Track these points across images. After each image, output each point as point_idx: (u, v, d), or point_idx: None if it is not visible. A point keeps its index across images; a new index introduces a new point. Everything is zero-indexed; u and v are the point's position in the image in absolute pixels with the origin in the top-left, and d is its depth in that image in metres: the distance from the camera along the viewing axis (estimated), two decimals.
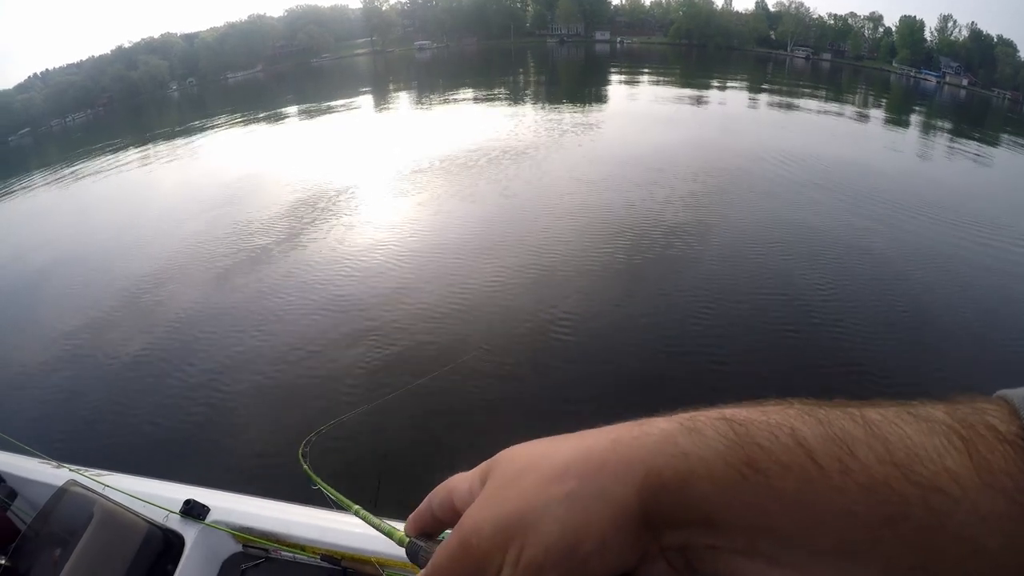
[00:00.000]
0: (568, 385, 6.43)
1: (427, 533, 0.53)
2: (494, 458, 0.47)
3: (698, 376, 6.61)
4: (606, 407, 5.86)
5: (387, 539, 0.65)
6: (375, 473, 5.18)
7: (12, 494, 2.31)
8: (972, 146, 26.18)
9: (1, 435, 2.69)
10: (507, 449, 0.47)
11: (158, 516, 1.97)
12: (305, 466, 1.91)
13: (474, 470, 0.49)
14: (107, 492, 1.91)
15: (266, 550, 2.04)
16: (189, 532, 1.92)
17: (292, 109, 36.89)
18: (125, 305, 9.30)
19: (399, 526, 0.59)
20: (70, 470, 2.25)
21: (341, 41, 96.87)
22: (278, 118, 33.20)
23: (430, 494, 0.52)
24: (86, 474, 2.13)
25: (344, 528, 2.03)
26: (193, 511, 1.97)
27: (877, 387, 6.37)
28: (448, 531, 0.47)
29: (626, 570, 0.38)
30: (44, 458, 2.50)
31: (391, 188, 14.53)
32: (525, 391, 6.36)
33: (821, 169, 16.38)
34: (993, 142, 28.95)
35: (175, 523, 1.97)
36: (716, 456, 0.35)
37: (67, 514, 1.65)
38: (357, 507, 0.83)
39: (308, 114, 33.77)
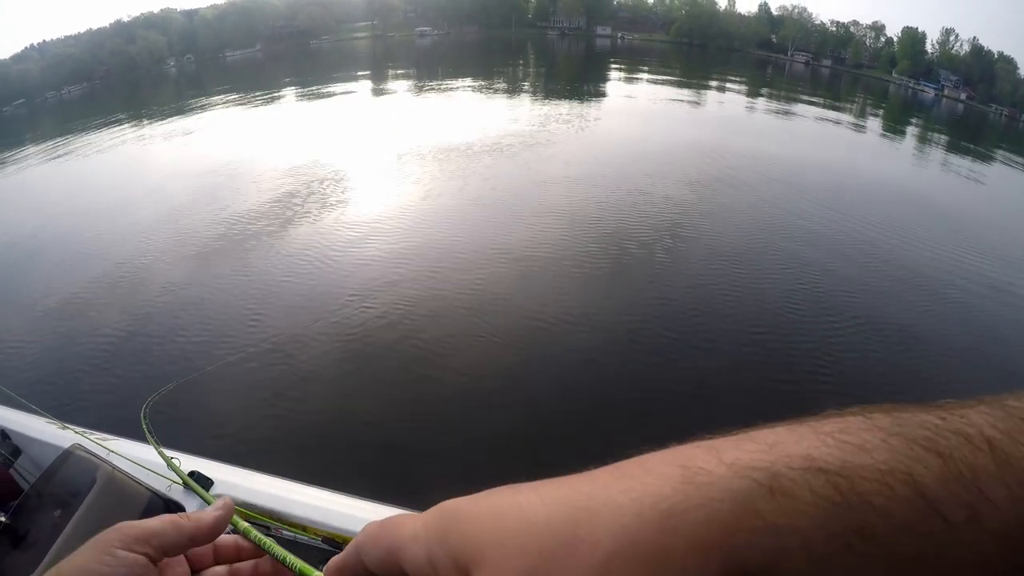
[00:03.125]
0: (537, 388, 6.27)
1: None
2: (455, 517, 0.35)
3: (674, 382, 6.48)
4: (567, 403, 5.98)
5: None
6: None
7: (16, 451, 2.31)
8: (966, 162, 26.24)
9: (8, 391, 2.70)
10: (476, 505, 0.35)
11: (161, 485, 1.95)
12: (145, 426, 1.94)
13: (422, 524, 0.37)
14: (111, 458, 1.86)
15: (267, 527, 2.00)
16: (191, 504, 1.88)
17: (289, 91, 36.66)
18: (115, 281, 9.26)
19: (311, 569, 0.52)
20: (76, 432, 2.24)
21: (342, 24, 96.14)
22: (274, 99, 32.99)
23: (357, 542, 0.42)
24: (91, 438, 2.12)
25: (348, 512, 1.98)
26: (197, 482, 1.95)
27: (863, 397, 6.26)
28: None
29: None
30: (50, 418, 2.47)
31: (381, 175, 14.53)
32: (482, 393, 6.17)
33: (809, 179, 16.33)
34: (988, 159, 29.05)
35: (178, 494, 1.95)
36: (816, 527, 0.26)
37: (70, 477, 1.64)
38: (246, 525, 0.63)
39: (305, 96, 33.59)
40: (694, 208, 12.30)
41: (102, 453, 1.88)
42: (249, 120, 25.21)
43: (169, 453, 2.05)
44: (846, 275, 9.73)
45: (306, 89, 35.97)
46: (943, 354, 7.65)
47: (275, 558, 0.55)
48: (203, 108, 30.82)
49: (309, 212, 11.61)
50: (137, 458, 2.02)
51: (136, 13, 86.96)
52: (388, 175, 14.47)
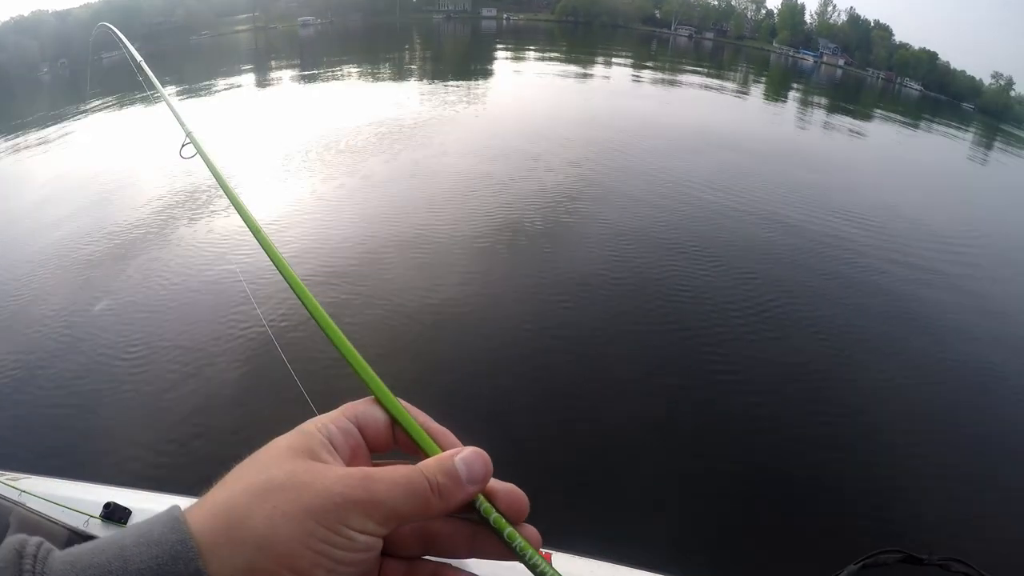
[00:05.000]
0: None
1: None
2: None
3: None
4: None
5: None
6: None
7: None
8: (847, 121, 26.89)
9: None
10: None
11: (78, 522, 1.88)
12: None
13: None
14: (23, 499, 1.88)
15: None
16: None
17: (168, 91, 33.61)
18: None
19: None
20: None
21: (222, 17, 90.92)
22: (152, 102, 30.14)
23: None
24: (2, 479, 2.05)
25: None
26: (114, 515, 1.91)
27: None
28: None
29: None
30: None
31: (267, 175, 13.33)
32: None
33: (691, 143, 16.65)
34: (867, 117, 29.68)
35: (96, 528, 1.88)
36: None
37: None
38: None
39: (185, 96, 30.66)
40: (583, 188, 12.07)
41: (13, 495, 1.90)
42: (125, 127, 22.57)
43: (83, 485, 2.06)
44: (735, 236, 10.05)
45: (186, 88, 32.81)
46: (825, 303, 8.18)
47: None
48: (76, 117, 27.58)
49: (191, 220, 10.76)
50: (51, 495, 1.94)
51: (6, 18, 79.67)
52: (275, 173, 13.47)
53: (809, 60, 78.48)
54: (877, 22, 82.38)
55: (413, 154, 14.19)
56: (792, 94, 39.71)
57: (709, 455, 5.16)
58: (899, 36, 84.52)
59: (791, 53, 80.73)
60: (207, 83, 33.01)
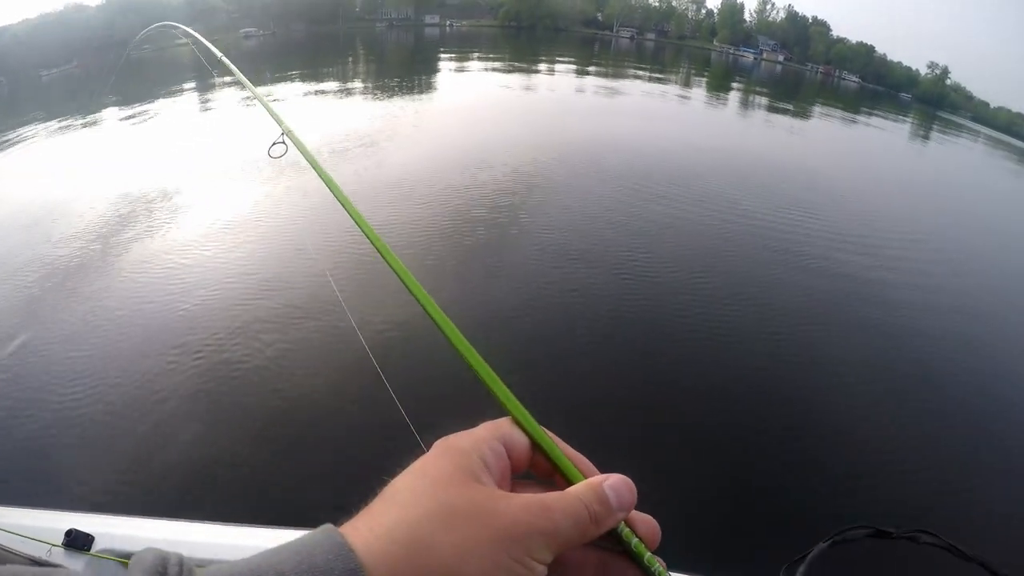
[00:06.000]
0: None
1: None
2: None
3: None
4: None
5: None
6: None
7: None
8: (787, 115, 27.28)
9: None
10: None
11: (40, 551, 1.82)
12: None
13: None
14: None
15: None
16: (75, 565, 1.80)
17: (110, 109, 32.35)
18: None
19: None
20: None
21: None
22: (93, 122, 28.94)
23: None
24: None
25: (250, 543, 1.81)
26: (77, 542, 1.82)
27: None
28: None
29: None
30: None
31: (208, 194, 12.69)
32: None
33: (636, 144, 16.70)
34: (807, 109, 30.12)
35: (59, 557, 1.81)
36: None
37: None
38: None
39: (127, 115, 29.50)
40: (530, 194, 11.85)
41: None
42: (66, 148, 21.58)
43: (43, 513, 1.98)
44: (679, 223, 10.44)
45: (128, 106, 31.59)
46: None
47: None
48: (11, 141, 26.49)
49: (135, 241, 10.25)
50: (9, 525, 1.85)
51: None
52: (219, 192, 12.86)
53: (749, 57, 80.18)
54: (815, 18, 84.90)
55: (355, 171, 13.45)
56: (734, 91, 40.24)
57: (674, 444, 5.22)
58: (837, 31, 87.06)
59: (732, 51, 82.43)
60: (150, 100, 32.08)
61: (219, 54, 1.79)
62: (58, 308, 8.14)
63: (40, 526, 1.87)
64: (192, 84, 37.34)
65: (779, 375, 6.39)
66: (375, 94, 28.50)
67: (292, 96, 28.51)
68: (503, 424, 0.52)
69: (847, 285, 8.86)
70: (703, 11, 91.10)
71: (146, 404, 5.87)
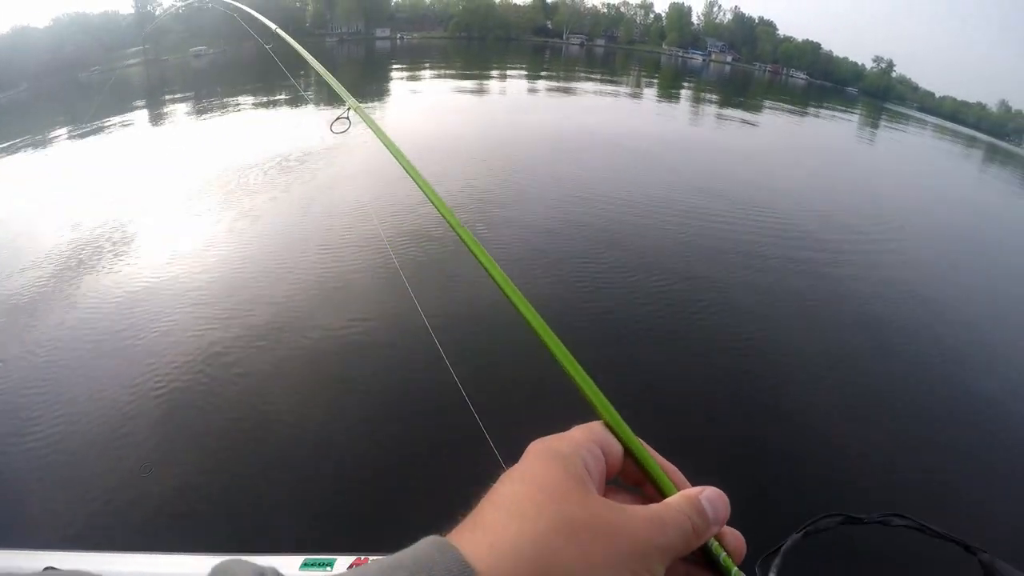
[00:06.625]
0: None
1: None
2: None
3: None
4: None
5: None
6: None
7: None
8: (738, 112, 27.54)
9: None
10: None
11: None
12: None
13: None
14: None
15: None
16: None
17: (59, 133, 31.30)
18: None
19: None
20: None
21: (112, 52, 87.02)
22: (41, 145, 28.12)
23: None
24: None
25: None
26: None
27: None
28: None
29: None
30: None
31: (166, 219, 12.09)
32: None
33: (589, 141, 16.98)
34: (758, 107, 30.44)
35: None
36: None
37: None
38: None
39: (77, 138, 28.73)
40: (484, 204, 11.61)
41: None
42: (11, 177, 20.80)
43: (18, 553, 1.89)
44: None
45: (78, 130, 30.75)
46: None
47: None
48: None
49: (85, 273, 9.60)
50: None
51: None
52: (174, 217, 12.26)
53: (698, 59, 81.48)
54: (761, 18, 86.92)
55: (310, 193, 12.86)
56: (684, 92, 40.52)
57: (645, 435, 4.95)
58: (783, 30, 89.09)
59: (680, 54, 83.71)
60: (101, 123, 31.28)
61: (273, 27, 1.84)
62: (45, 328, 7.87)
63: (17, 565, 1.84)
64: (137, 104, 36.73)
65: (739, 370, 6.35)
66: (322, 111, 28.18)
67: (243, 117, 28.32)
68: (597, 428, 0.50)
69: (802, 280, 8.87)
70: (651, 15, 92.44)
71: (105, 441, 5.65)
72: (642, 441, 0.51)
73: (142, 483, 5.01)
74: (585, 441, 0.47)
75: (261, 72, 57.50)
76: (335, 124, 1.37)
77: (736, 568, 0.47)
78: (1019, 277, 11.77)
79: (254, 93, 38.00)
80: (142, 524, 4.54)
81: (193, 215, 11.85)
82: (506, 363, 5.89)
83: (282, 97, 33.68)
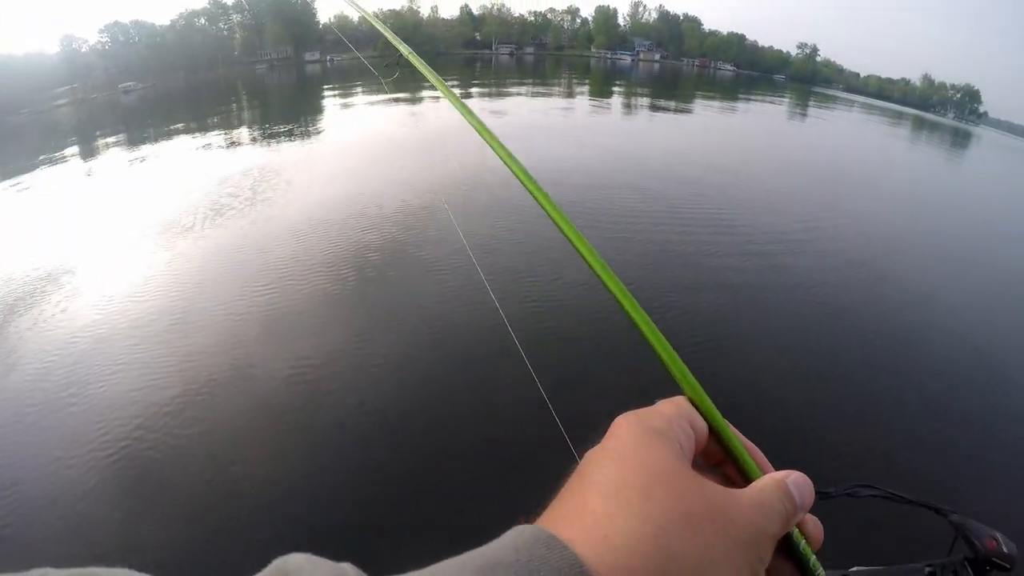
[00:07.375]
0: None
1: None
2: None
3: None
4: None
5: None
6: None
7: None
8: (671, 105, 27.82)
9: None
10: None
11: None
12: None
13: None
14: None
15: None
16: None
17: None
18: None
19: None
20: None
21: (39, 92, 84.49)
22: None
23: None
24: None
25: None
26: None
27: None
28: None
29: None
30: None
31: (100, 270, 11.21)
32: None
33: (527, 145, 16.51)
34: (688, 100, 30.82)
35: None
36: None
37: None
38: None
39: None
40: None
41: None
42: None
43: None
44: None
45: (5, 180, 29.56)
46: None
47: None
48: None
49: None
50: None
51: None
52: (109, 267, 10.99)
53: (627, 59, 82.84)
54: (686, 15, 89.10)
55: (252, 225, 12.51)
56: (615, 92, 40.82)
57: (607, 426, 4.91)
58: (708, 24, 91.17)
59: (609, 55, 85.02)
60: (28, 171, 30.16)
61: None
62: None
63: None
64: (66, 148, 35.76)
65: (707, 338, 6.47)
66: (261, 140, 27.73)
67: (175, 153, 27.54)
68: (684, 404, 0.47)
69: (756, 275, 8.78)
70: (578, 20, 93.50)
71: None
72: (726, 422, 0.49)
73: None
74: (676, 417, 0.45)
75: (189, 106, 56.71)
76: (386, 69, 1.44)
77: (814, 558, 0.44)
78: (961, 237, 12.29)
79: (184, 126, 37.29)
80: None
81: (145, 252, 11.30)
82: (571, 336, 6.12)
83: (217, 128, 33.24)
